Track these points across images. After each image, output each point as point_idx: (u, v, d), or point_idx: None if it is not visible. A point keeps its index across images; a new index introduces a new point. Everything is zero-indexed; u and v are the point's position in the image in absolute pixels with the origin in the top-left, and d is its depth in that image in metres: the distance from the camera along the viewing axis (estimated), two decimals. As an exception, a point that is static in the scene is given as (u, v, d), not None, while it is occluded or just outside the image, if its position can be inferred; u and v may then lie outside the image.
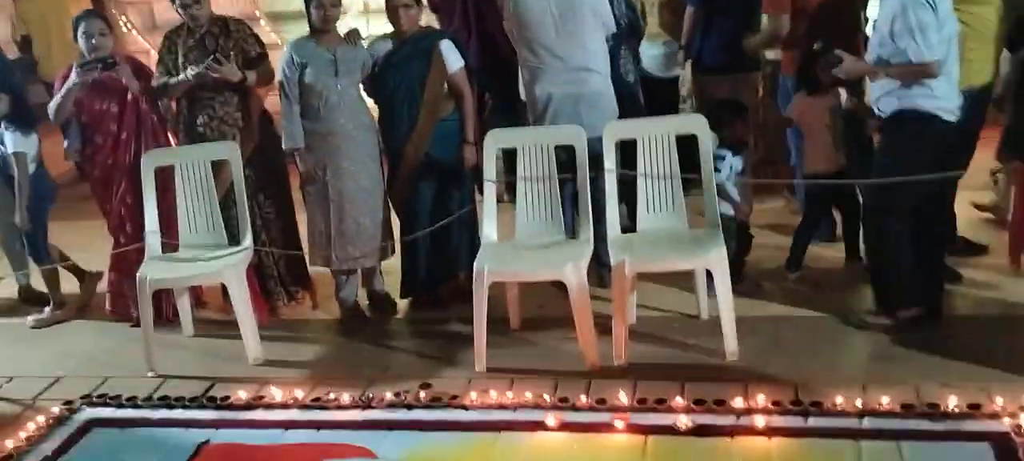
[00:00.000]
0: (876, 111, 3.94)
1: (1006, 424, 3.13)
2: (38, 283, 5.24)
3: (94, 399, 4.01)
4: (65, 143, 4.85)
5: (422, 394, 3.76)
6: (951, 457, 3.01)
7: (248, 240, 4.42)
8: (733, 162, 4.44)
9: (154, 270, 4.30)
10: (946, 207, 4.35)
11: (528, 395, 3.64)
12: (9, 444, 3.65)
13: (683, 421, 3.36)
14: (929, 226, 3.96)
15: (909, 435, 3.15)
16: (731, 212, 4.41)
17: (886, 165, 3.90)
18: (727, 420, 3.37)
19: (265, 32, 8.06)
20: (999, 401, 3.24)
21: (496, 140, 4.31)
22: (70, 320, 5.05)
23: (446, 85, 4.51)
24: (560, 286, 3.99)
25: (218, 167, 4.51)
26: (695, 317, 4.28)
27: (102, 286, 5.07)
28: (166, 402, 3.94)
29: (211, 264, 4.34)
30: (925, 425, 3.20)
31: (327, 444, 3.52)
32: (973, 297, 4.27)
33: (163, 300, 4.74)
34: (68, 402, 3.98)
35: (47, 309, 5.07)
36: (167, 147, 4.71)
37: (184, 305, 4.69)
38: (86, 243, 5.38)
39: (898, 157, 3.86)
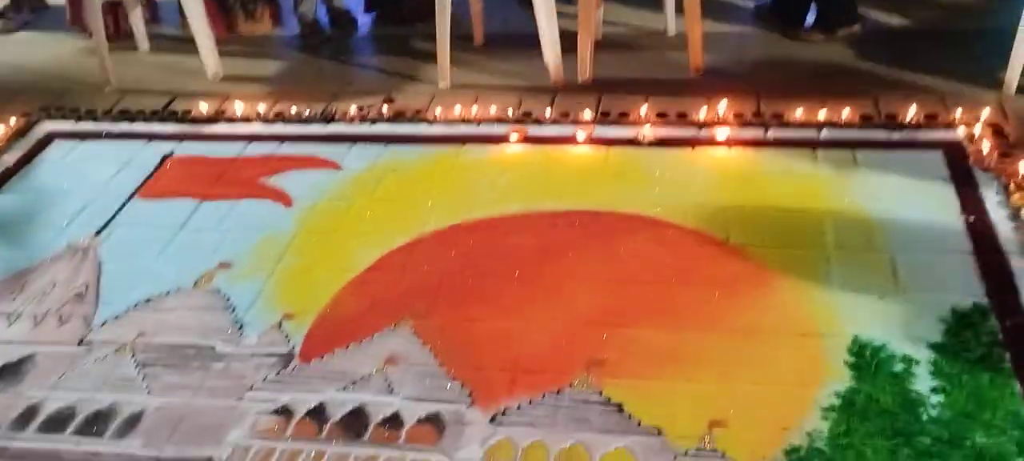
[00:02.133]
0: None
1: (960, 133, 3.18)
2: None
3: (52, 111, 3.96)
4: None
5: (385, 108, 3.73)
6: (903, 164, 3.06)
7: (200, -53, 4.22)
8: None
9: (101, -21, 4.12)
10: None
11: (492, 110, 3.63)
12: (-31, 155, 3.63)
13: (645, 133, 3.38)
14: None
15: (865, 144, 3.20)
16: None
17: None
18: (688, 132, 3.39)
19: None
20: (957, 111, 3.28)
21: None
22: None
23: None
24: (525, 2, 3.88)
25: None
26: (662, 32, 4.22)
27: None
28: (127, 115, 3.89)
29: (162, -27, 4.18)
30: (882, 135, 3.25)
31: (291, 156, 3.52)
32: (939, 10, 4.24)
33: (118, 15, 4.60)
34: (26, 114, 3.93)
35: None
36: None
37: (136, 19, 4.54)
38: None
39: None
